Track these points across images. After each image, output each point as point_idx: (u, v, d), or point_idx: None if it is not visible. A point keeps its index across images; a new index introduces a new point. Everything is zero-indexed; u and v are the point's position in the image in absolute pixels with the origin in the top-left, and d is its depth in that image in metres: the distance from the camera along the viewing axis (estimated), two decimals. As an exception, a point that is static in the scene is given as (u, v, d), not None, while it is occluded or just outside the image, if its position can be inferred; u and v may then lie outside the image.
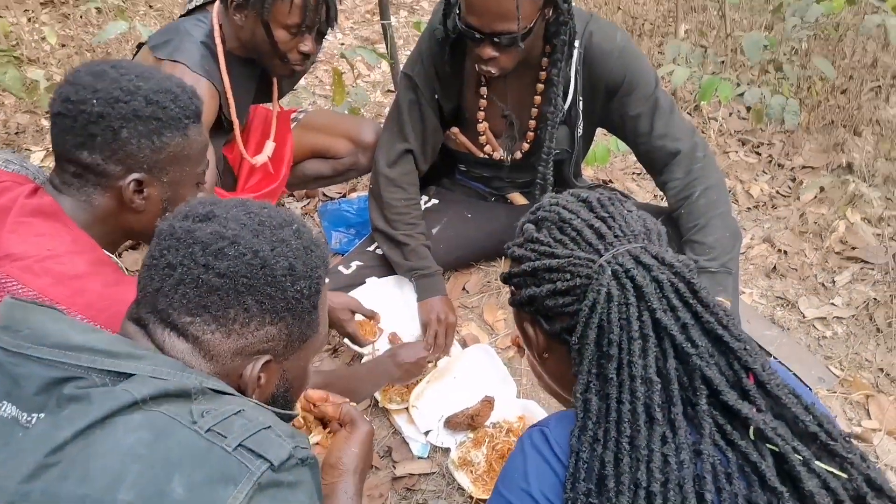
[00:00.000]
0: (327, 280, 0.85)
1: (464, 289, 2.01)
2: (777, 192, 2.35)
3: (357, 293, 1.77)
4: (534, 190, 1.73)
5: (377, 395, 1.64)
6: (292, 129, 1.99)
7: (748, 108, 2.69)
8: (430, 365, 1.70)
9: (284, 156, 1.98)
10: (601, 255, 0.79)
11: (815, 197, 2.28)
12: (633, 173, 2.46)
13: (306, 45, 1.66)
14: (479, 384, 1.66)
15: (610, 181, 2.43)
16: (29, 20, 3.12)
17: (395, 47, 2.27)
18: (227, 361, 0.75)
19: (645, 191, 2.39)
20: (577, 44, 1.56)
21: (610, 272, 0.77)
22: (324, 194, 2.35)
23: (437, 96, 1.75)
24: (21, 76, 1.99)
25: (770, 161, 2.48)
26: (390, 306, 1.78)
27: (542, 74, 1.64)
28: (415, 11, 3.80)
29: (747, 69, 2.68)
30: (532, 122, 1.72)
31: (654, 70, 1.60)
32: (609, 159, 2.26)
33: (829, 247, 2.07)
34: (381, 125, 1.93)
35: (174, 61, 1.59)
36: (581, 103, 1.65)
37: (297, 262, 0.78)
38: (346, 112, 2.32)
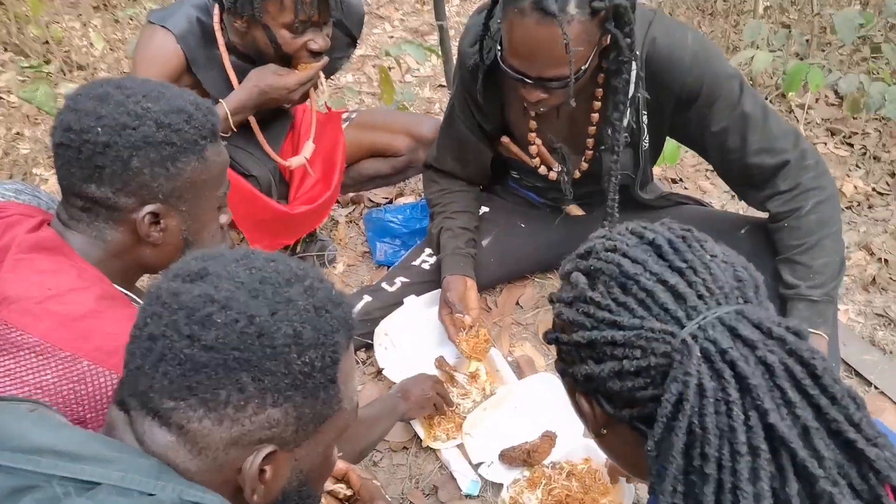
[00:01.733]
0: (351, 346, 0.72)
1: (517, 303, 1.85)
2: (874, 189, 2.08)
3: (397, 316, 1.64)
4: (594, 203, 1.55)
5: (420, 431, 1.51)
6: (345, 129, 1.88)
7: (836, 94, 2.41)
8: (472, 389, 1.56)
9: (336, 160, 1.87)
10: (683, 326, 0.62)
11: (920, 194, 2.00)
12: (707, 170, 2.24)
13: (315, 43, 1.55)
14: (542, 417, 1.50)
15: (680, 179, 2.22)
16: (83, 24, 3.12)
17: (449, 45, 2.11)
18: (220, 455, 0.63)
19: (720, 189, 2.17)
20: (636, 51, 1.33)
21: (698, 352, 0.60)
22: (369, 199, 2.23)
23: (476, 120, 1.60)
24: (53, 93, 1.94)
25: (864, 154, 2.21)
26: (433, 328, 1.65)
27: (598, 92, 1.42)
28: (468, -1, 3.62)
29: (836, 50, 2.39)
30: (590, 142, 1.52)
31: (737, 71, 1.36)
32: (679, 157, 2.04)
33: (939, 254, 1.81)
34: (439, 122, 1.79)
35: (151, 23, 1.59)
36: (645, 116, 1.44)
37: (306, 328, 0.65)
38: (395, 110, 2.20)
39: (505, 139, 1.63)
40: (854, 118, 2.31)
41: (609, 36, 1.24)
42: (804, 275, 1.31)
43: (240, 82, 1.62)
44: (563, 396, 1.48)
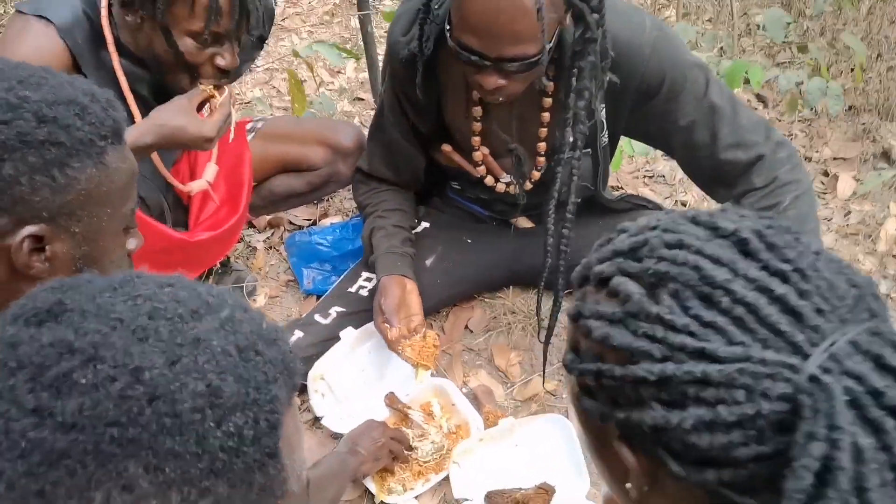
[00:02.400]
0: (294, 401, 0.52)
1: (466, 327, 1.67)
2: (810, 188, 2.06)
3: (333, 354, 1.42)
4: (545, 214, 1.39)
5: (371, 486, 1.29)
6: (250, 142, 1.63)
7: (757, 96, 2.42)
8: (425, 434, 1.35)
9: (243, 178, 1.62)
10: (806, 355, 0.45)
11: (855, 192, 2.00)
12: (646, 177, 2.16)
13: (224, 59, 1.30)
14: (543, 465, 1.31)
15: (620, 187, 2.12)
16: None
17: (375, 44, 1.93)
18: None
19: (661, 196, 2.09)
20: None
21: (841, 394, 0.43)
22: (290, 222, 1.99)
23: (409, 123, 1.42)
24: None
25: (795, 154, 2.20)
26: (378, 362, 1.44)
27: (549, 86, 1.27)
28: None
29: (758, 52, 2.40)
30: (542, 146, 1.36)
31: (700, 60, 1.25)
32: (621, 163, 1.95)
33: (886, 251, 1.79)
34: (362, 128, 1.60)
35: (21, 13, 1.29)
36: (604, 111, 1.30)
37: (226, 381, 0.44)
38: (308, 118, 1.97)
39: (446, 148, 1.45)
40: (779, 120, 2.31)
41: (571, 11, 1.10)
42: None
43: (133, 90, 1.36)
44: (573, 446, 1.30)
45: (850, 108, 2.33)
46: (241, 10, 1.27)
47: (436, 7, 1.20)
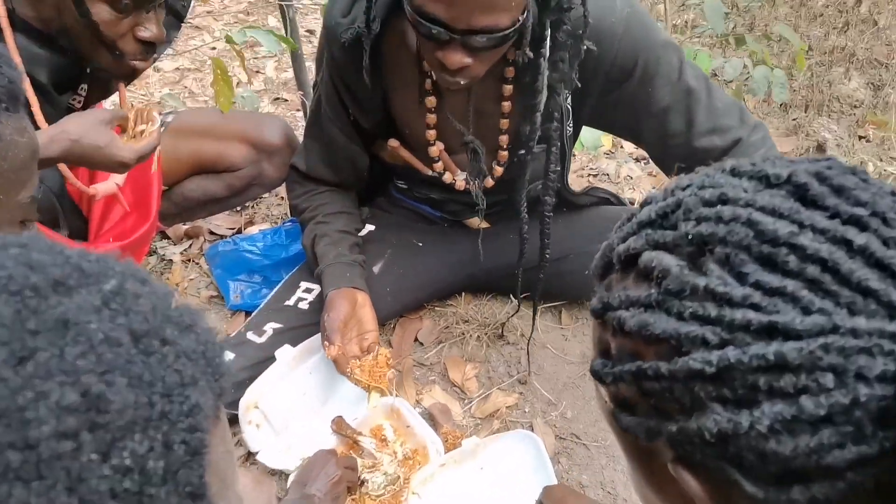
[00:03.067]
0: (223, 420, 0.39)
1: (416, 340, 1.52)
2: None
3: (268, 377, 1.24)
4: (503, 214, 1.27)
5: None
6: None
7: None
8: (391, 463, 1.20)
9: (151, 180, 1.41)
10: None
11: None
12: (590, 175, 2.09)
13: (147, 30, 1.11)
14: (514, 486, 1.17)
15: (566, 186, 2.04)
16: None
17: (299, 34, 1.75)
18: None
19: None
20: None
21: None
22: (210, 232, 1.79)
23: (348, 117, 1.27)
24: None
25: (733, 150, 2.19)
26: (321, 384, 1.27)
27: (508, 70, 1.15)
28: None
29: (698, 43, 2.39)
30: (503, 138, 1.24)
31: (672, 39, 1.16)
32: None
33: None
34: (288, 124, 1.42)
35: None
36: (569, 98, 1.18)
37: (114, 386, 0.30)
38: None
39: (393, 143, 1.31)
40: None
41: None
42: None
43: (29, 74, 1.13)
44: (542, 463, 1.14)
45: (780, 104, 2.36)
46: None
47: None
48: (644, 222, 0.45)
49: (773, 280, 0.38)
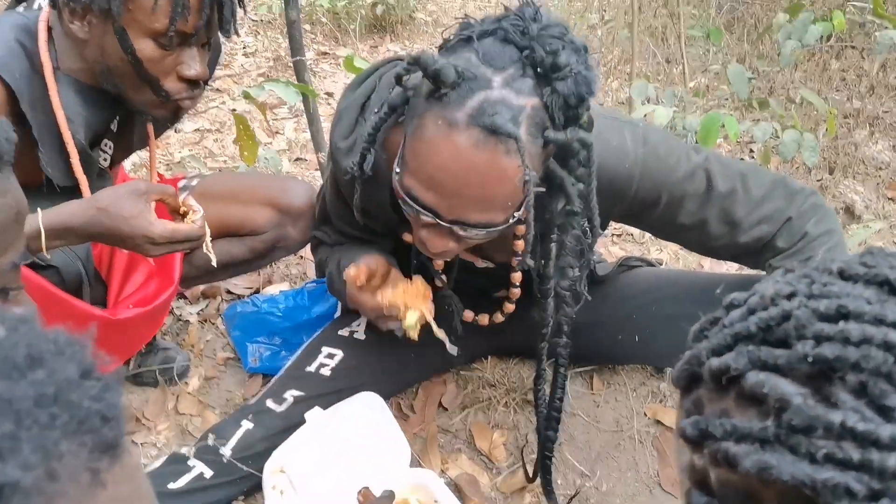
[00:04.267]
0: (115, 469, 0.31)
1: (440, 405, 1.46)
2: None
3: (295, 442, 1.17)
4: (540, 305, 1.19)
5: None
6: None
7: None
8: None
9: (175, 246, 1.38)
10: None
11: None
12: (614, 235, 2.05)
13: (192, 68, 1.09)
14: None
15: (589, 246, 2.00)
16: None
17: (314, 93, 1.76)
18: None
19: (627, 253, 1.98)
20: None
21: None
22: (228, 291, 1.75)
23: (361, 224, 1.19)
24: None
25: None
26: (352, 450, 1.20)
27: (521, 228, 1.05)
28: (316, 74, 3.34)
29: (720, 107, 2.40)
30: (515, 262, 1.16)
31: (697, 158, 1.06)
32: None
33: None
34: (313, 186, 1.40)
35: None
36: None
37: None
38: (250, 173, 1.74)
39: (408, 238, 1.22)
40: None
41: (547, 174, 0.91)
42: None
43: (73, 131, 1.11)
44: None
45: (804, 165, 2.35)
46: (212, 3, 1.06)
47: (376, 124, 0.96)
48: (743, 335, 0.40)
49: None
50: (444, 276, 1.18)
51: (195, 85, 1.12)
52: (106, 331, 1.18)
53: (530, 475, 1.24)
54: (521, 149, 0.79)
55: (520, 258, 1.13)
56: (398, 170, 0.91)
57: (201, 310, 1.70)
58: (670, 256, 1.91)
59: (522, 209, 0.90)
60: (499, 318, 1.25)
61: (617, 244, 2.04)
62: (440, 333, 1.11)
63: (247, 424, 1.21)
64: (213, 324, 1.65)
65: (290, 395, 1.27)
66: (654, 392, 1.48)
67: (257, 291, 1.74)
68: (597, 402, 1.46)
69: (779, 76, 2.38)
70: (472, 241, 0.93)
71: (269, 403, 1.25)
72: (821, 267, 0.40)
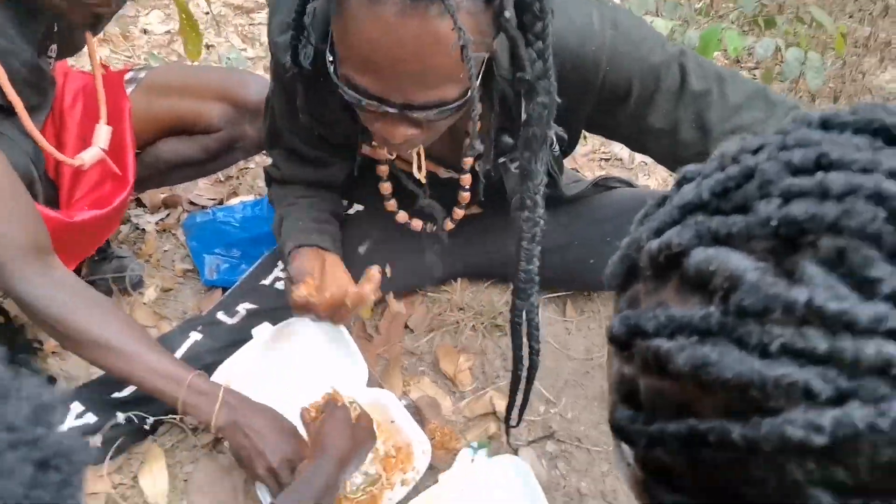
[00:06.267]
0: None
1: (406, 327, 1.40)
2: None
3: (240, 358, 1.11)
4: (496, 203, 1.11)
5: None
6: (130, 96, 1.29)
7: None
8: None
9: (125, 142, 1.28)
10: None
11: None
12: (602, 159, 1.96)
13: None
14: None
15: (575, 170, 1.91)
16: None
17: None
18: None
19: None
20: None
21: None
22: (190, 202, 1.66)
23: (313, 132, 1.11)
24: None
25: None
26: (301, 368, 1.15)
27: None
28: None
29: (726, 20, 2.25)
30: (468, 160, 1.09)
31: (671, 49, 0.97)
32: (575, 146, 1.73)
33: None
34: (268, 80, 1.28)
35: None
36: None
37: None
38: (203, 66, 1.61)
39: (366, 151, 1.12)
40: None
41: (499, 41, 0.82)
42: None
43: (14, 46, 1.00)
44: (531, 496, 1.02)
45: (809, 93, 2.23)
46: None
47: (308, 18, 0.86)
48: (691, 205, 0.31)
49: None
50: (420, 181, 1.08)
51: None
52: (60, 233, 1.11)
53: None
54: (451, 8, 0.68)
55: (470, 154, 1.05)
56: (331, 58, 0.81)
57: (161, 219, 1.61)
58: (658, 183, 1.83)
59: (480, 74, 0.81)
60: (448, 224, 1.18)
61: (604, 169, 1.95)
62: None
63: (195, 336, 1.15)
64: (173, 234, 1.57)
65: (243, 307, 1.21)
66: (628, 320, 1.42)
67: (221, 203, 1.65)
68: (568, 329, 1.40)
69: (789, -4, 2.23)
70: (434, 125, 0.84)
71: (221, 315, 1.19)
72: (796, 117, 0.31)
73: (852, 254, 0.26)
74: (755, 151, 0.32)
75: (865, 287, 0.25)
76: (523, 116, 0.84)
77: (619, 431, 0.33)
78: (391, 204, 1.17)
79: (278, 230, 1.17)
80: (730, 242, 0.29)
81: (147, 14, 2.52)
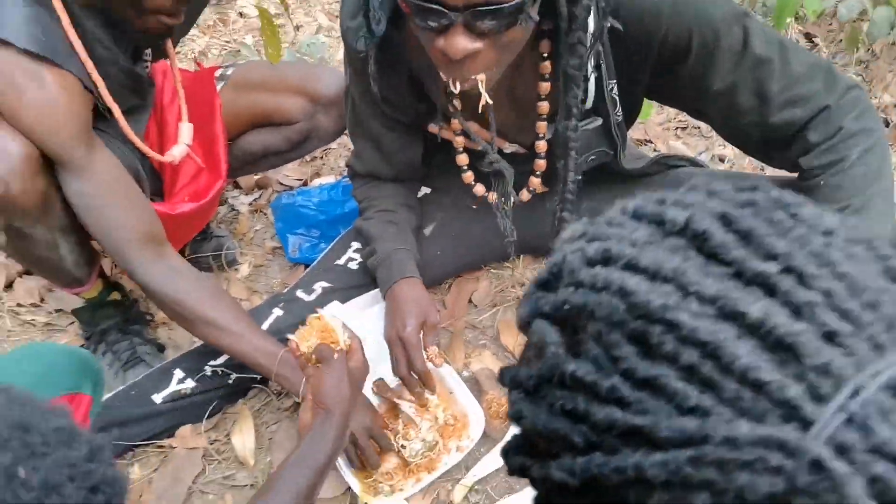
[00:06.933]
0: None
1: (470, 301, 1.49)
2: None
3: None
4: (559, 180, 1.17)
5: (355, 485, 1.13)
6: (219, 92, 1.44)
7: (806, 35, 2.13)
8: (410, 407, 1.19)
9: (217, 137, 1.43)
10: (806, 421, 0.27)
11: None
12: (678, 128, 1.92)
13: None
14: None
15: (648, 141, 1.89)
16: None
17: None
18: None
19: (694, 150, 1.86)
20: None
21: (865, 494, 0.25)
22: (279, 183, 1.81)
23: (388, 115, 1.21)
24: None
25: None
26: (368, 345, 1.26)
27: (545, 66, 1.03)
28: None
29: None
30: (542, 128, 1.14)
31: (735, 7, 0.98)
32: (650, 114, 1.72)
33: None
34: (343, 75, 1.38)
35: None
36: (615, 86, 1.06)
37: None
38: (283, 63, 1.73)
39: (433, 129, 1.22)
40: (840, 55, 2.04)
41: None
42: None
43: (90, 53, 1.10)
44: None
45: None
46: None
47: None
48: (538, 280, 0.38)
49: (645, 367, 0.30)
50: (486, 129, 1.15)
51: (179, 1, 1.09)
52: (165, 223, 1.28)
53: None
54: None
55: (541, 138, 1.12)
56: None
57: (254, 200, 1.78)
58: (736, 154, 1.78)
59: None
60: (525, 195, 1.25)
61: (681, 138, 1.91)
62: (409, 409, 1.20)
63: (277, 312, 1.30)
64: (264, 214, 1.73)
65: (320, 286, 1.33)
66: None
67: (306, 183, 1.79)
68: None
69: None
70: (493, 42, 0.87)
71: (300, 293, 1.32)
72: (621, 207, 0.37)
73: (606, 336, 0.32)
74: (571, 240, 0.38)
75: (616, 362, 0.32)
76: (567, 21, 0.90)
77: (509, 463, 0.40)
78: (468, 176, 1.24)
79: (366, 240, 1.30)
80: (548, 318, 0.36)
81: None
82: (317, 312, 1.03)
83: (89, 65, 1.11)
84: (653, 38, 0.97)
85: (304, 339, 0.99)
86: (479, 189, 1.25)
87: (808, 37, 2.16)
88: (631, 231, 0.34)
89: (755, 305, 0.29)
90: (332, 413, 0.90)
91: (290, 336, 1.01)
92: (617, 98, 1.09)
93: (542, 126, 1.15)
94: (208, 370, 1.23)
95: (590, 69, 1.03)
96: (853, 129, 0.99)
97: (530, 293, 0.37)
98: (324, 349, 0.95)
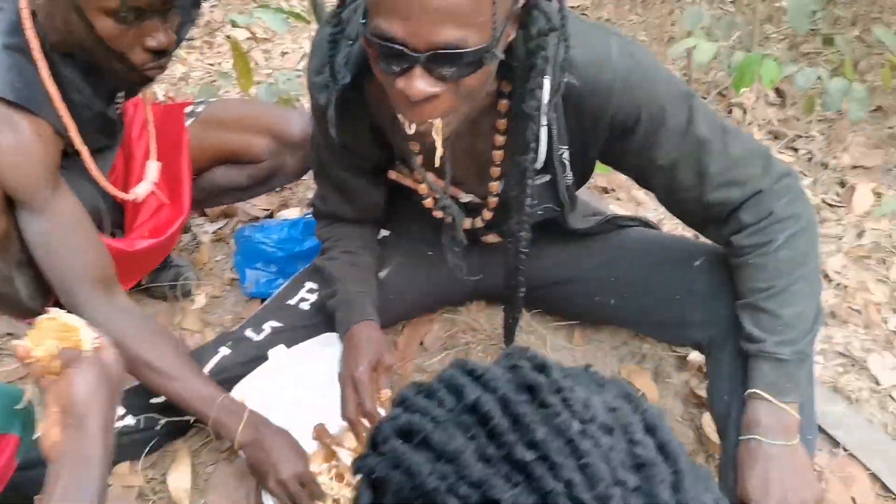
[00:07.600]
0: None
1: (421, 344, 1.51)
2: (823, 201, 1.85)
3: (256, 378, 1.26)
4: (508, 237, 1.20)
5: None
6: (188, 128, 1.46)
7: (778, 92, 2.18)
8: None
9: (182, 171, 1.45)
10: None
11: (868, 212, 1.79)
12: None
13: (156, 39, 1.09)
14: None
15: (612, 189, 1.93)
16: None
17: (324, 9, 1.71)
18: None
19: (654, 201, 1.89)
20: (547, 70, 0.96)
21: None
22: (245, 212, 1.83)
23: (352, 161, 1.24)
24: None
25: (810, 159, 1.98)
26: (309, 386, 1.28)
27: (501, 123, 1.07)
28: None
29: (778, 42, 2.16)
30: (495, 171, 1.16)
31: (683, 88, 1.03)
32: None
33: (902, 280, 1.59)
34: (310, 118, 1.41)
35: None
36: (566, 152, 1.10)
37: None
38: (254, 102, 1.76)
39: (391, 175, 1.25)
40: (797, 119, 2.09)
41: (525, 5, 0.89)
42: (770, 327, 1.02)
43: (66, 98, 1.13)
44: None
45: (877, 108, 2.10)
46: None
47: (346, 21, 0.98)
48: (373, 436, 0.43)
49: None
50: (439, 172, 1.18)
51: (162, 54, 1.12)
52: (123, 260, 1.29)
53: None
54: None
55: (495, 181, 1.17)
56: (364, 21, 0.88)
57: (218, 228, 1.79)
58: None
59: (501, 42, 0.87)
60: (479, 223, 1.28)
61: (642, 189, 1.94)
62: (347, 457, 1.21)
63: (224, 351, 1.31)
64: (227, 243, 1.75)
65: (269, 325, 1.34)
66: (633, 353, 1.46)
67: (272, 214, 1.81)
68: (575, 357, 1.46)
69: (862, 6, 2.09)
70: (453, 87, 0.88)
71: (248, 332, 1.34)
72: (449, 372, 0.40)
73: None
74: (400, 403, 0.42)
75: None
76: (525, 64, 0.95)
77: None
78: (437, 213, 1.25)
79: (328, 280, 1.32)
80: (366, 478, 0.41)
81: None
82: (48, 313, 0.83)
83: (63, 111, 1.14)
84: (605, 112, 1.02)
85: (38, 343, 0.80)
86: (429, 202, 1.25)
87: (779, 93, 2.21)
88: (436, 404, 0.38)
89: (508, 493, 0.33)
90: (87, 424, 0.74)
91: (16, 342, 0.81)
92: (567, 163, 1.12)
93: (494, 186, 1.18)
94: (150, 409, 1.24)
95: (543, 133, 1.06)
96: (783, 215, 1.02)
97: (368, 453, 0.41)
98: (69, 351, 0.79)
